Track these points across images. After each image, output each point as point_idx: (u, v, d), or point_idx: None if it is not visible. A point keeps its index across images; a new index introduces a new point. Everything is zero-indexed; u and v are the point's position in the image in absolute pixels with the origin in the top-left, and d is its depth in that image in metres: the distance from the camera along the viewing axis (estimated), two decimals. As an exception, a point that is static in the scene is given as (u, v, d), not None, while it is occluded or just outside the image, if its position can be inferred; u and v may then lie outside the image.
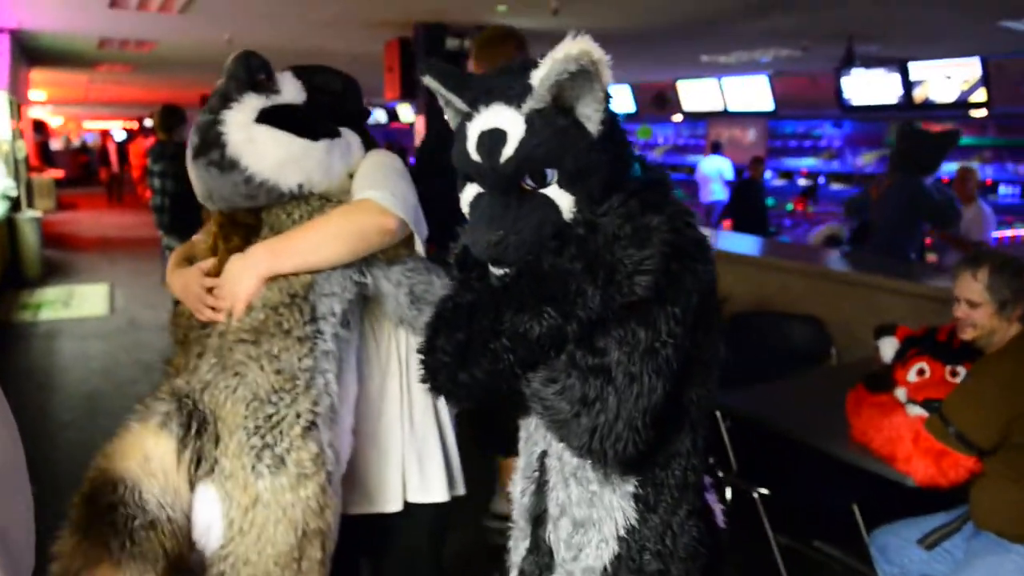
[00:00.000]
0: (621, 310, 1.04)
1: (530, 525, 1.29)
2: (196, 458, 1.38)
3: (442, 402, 1.78)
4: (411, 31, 6.97)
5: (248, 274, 1.47)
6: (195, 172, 1.52)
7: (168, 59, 9.43)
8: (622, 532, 1.17)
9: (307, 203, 1.53)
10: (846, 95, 8.96)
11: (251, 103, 1.49)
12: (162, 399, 1.42)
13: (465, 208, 1.17)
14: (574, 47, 1.00)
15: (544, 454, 1.25)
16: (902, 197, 4.17)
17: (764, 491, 2.62)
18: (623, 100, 12.91)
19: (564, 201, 1.08)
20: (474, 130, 1.09)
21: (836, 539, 2.83)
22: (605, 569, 1.18)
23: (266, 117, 1.49)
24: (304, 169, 1.51)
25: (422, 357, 1.23)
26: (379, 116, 17.01)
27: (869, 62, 7.68)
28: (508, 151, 1.05)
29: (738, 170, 10.71)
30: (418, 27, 6.84)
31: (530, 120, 1.05)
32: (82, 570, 1.27)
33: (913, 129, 4.30)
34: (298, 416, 1.41)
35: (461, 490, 1.81)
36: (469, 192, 1.15)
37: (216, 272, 1.52)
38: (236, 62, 1.52)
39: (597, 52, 1.01)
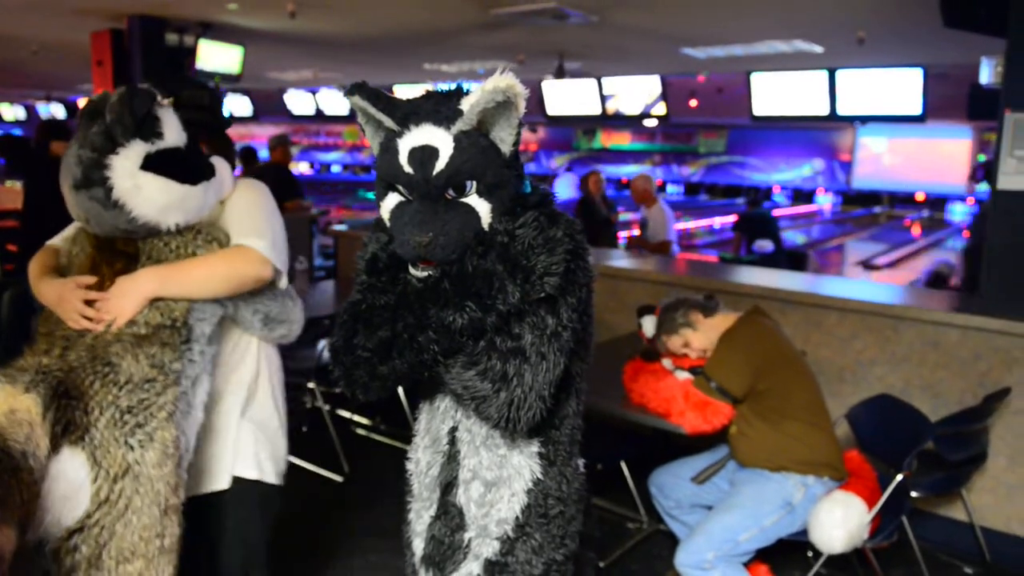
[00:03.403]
0: (533, 303, 1.27)
1: (437, 493, 1.47)
2: (63, 421, 1.42)
3: (280, 395, 1.97)
4: (124, 22, 6.47)
5: (136, 294, 1.62)
6: (76, 201, 1.60)
7: None
8: (530, 485, 1.41)
9: (181, 235, 1.69)
10: (547, 105, 9.93)
11: (137, 149, 1.57)
12: (25, 370, 1.45)
13: (385, 215, 1.31)
14: (502, 82, 1.20)
15: (454, 429, 1.44)
16: None
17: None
18: (337, 102, 12.96)
19: (483, 208, 1.27)
20: (405, 146, 1.23)
21: (604, 494, 3.32)
22: (517, 518, 1.41)
23: (151, 163, 1.58)
24: (184, 211, 1.66)
25: (337, 356, 1.37)
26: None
27: (571, 76, 8.61)
28: (440, 165, 1.22)
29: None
30: (133, 19, 6.38)
31: (458, 140, 1.23)
32: None
33: None
34: (163, 405, 1.55)
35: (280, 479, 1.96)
36: (391, 200, 1.29)
37: (97, 289, 1.63)
38: (120, 104, 1.54)
39: (519, 87, 1.21)
